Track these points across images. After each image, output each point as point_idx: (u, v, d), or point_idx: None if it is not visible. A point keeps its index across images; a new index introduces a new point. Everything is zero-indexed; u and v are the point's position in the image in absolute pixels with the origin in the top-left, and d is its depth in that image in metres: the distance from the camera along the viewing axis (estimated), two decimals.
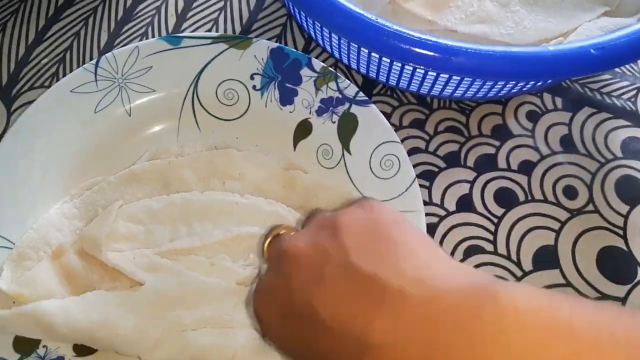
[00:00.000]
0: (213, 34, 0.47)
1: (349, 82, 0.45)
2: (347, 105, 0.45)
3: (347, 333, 0.29)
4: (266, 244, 0.39)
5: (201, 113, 0.47)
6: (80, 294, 0.39)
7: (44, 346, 0.38)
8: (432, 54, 0.39)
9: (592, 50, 0.39)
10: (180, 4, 0.58)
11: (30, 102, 0.50)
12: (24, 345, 0.38)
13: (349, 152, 0.44)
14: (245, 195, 0.43)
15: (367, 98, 0.44)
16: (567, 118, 0.51)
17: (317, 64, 0.46)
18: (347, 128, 0.44)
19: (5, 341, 0.38)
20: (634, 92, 0.52)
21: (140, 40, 0.55)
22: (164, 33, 0.55)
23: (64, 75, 0.53)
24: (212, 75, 0.47)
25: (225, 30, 0.56)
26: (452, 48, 0.39)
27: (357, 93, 0.45)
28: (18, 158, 0.43)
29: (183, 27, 0.56)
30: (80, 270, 0.40)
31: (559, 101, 0.52)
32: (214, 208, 0.42)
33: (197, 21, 0.56)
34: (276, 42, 0.54)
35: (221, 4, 0.58)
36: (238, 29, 0.56)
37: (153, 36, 0.55)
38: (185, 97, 0.47)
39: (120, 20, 0.57)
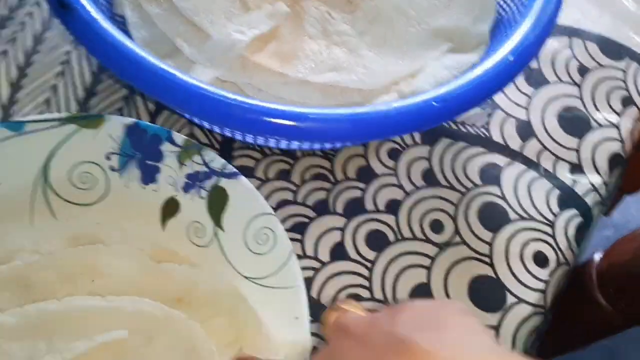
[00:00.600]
0: (60, 114, 0.43)
1: (215, 154, 0.44)
2: (214, 178, 0.44)
3: None
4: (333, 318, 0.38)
5: (56, 200, 0.44)
6: None
7: None
8: (280, 122, 0.39)
9: (434, 103, 0.41)
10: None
11: None
12: None
13: (221, 228, 0.43)
14: (107, 297, 0.40)
15: (235, 170, 0.44)
16: (426, 152, 0.54)
17: (179, 137, 0.44)
18: (217, 203, 0.44)
19: None
20: (486, 118, 0.56)
21: None
22: None
23: None
24: (63, 159, 0.43)
25: (66, 99, 0.52)
26: (297, 114, 0.39)
27: (224, 165, 0.44)
28: None
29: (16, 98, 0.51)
30: None
31: (417, 136, 0.54)
32: (74, 316, 0.39)
33: (31, 100, 0.52)
34: (120, 113, 0.51)
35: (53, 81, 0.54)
36: (81, 94, 0.52)
37: None
38: (35, 187, 0.44)
39: None
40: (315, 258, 0.48)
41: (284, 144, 0.47)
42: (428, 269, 0.49)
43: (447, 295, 0.47)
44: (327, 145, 0.48)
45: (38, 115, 0.45)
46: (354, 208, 0.50)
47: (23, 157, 0.43)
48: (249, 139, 0.48)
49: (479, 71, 0.42)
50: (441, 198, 0.52)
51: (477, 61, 0.51)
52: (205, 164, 0.44)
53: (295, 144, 0.47)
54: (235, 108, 0.39)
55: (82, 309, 0.40)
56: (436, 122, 0.44)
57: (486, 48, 0.53)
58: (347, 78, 0.49)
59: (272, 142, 0.48)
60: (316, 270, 0.47)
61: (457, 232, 0.50)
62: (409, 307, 0.35)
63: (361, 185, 0.52)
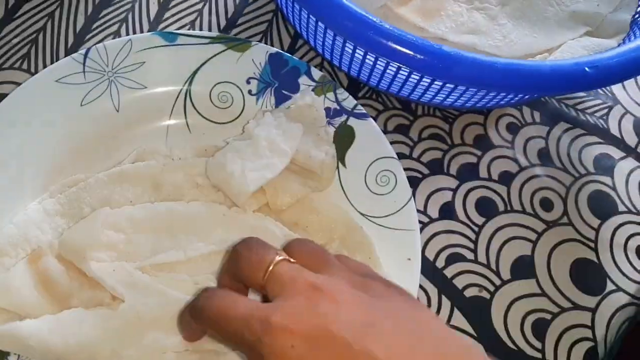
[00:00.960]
0: (211, 33, 0.46)
1: (348, 93, 0.45)
2: (344, 117, 0.45)
3: None
4: (272, 266, 0.32)
5: (193, 114, 0.47)
6: (57, 302, 0.37)
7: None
8: (434, 61, 0.39)
9: (586, 69, 0.41)
10: (155, 6, 0.55)
11: None
12: None
13: (344, 165, 0.45)
14: (233, 208, 0.42)
15: (365, 112, 0.45)
16: (544, 132, 0.54)
17: (317, 72, 0.46)
18: (343, 141, 0.45)
19: None
20: (606, 110, 0.56)
21: (120, 26, 0.53)
22: (145, 21, 0.53)
23: (36, 57, 0.50)
24: (207, 76, 0.46)
25: (209, 23, 0.54)
26: (455, 56, 0.40)
27: (355, 106, 0.45)
28: None
29: (165, 17, 0.54)
30: (58, 276, 0.38)
31: (537, 115, 0.54)
32: (200, 219, 0.41)
33: (180, 11, 0.55)
34: (261, 38, 0.53)
35: (198, 6, 0.56)
36: (223, 22, 0.55)
37: (133, 23, 0.53)
38: (177, 97, 0.46)
39: (98, 4, 0.54)
40: (424, 213, 0.49)
41: (407, 90, 0.48)
42: (533, 243, 0.49)
43: (549, 271, 0.47)
44: (449, 101, 0.48)
45: (191, 30, 0.47)
46: (468, 172, 0.51)
47: (172, 66, 0.46)
48: (373, 80, 0.49)
49: (632, 45, 0.42)
50: (553, 178, 0.52)
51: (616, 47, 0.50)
52: (338, 102, 0.45)
53: (418, 92, 0.48)
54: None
55: (207, 214, 0.42)
56: (586, 87, 0.45)
57: (625, 36, 0.52)
58: (484, 42, 0.49)
59: (394, 88, 0.48)
60: (424, 224, 0.48)
61: (565, 213, 0.50)
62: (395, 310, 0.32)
63: (477, 152, 0.52)
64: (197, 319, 0.34)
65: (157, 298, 0.38)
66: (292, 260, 0.33)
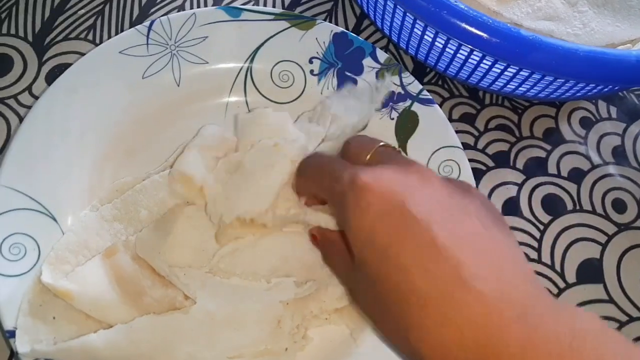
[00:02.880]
0: (275, 10, 0.45)
1: (414, 78, 0.43)
2: (408, 102, 0.43)
3: (455, 268, 0.28)
4: (377, 146, 0.35)
5: (252, 92, 0.46)
6: (129, 298, 0.37)
7: None
8: (510, 45, 0.38)
9: None
10: None
11: (63, 53, 0.48)
12: None
13: (405, 152, 0.43)
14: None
15: (431, 97, 0.43)
16: (620, 129, 0.50)
17: (382, 54, 0.44)
18: (406, 127, 0.43)
19: None
20: None
21: (185, 0, 0.52)
22: None
23: (102, 28, 0.50)
24: (270, 53, 0.45)
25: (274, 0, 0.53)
26: (533, 41, 0.37)
27: (421, 91, 0.43)
28: (57, 115, 0.41)
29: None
30: (131, 273, 0.38)
31: (613, 110, 0.51)
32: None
33: None
34: (326, 17, 0.52)
35: None
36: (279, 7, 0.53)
37: None
38: (238, 73, 0.45)
39: None
40: None
41: (477, 77, 0.45)
42: (603, 246, 0.46)
43: (619, 277, 0.45)
44: (520, 90, 0.46)
45: (255, 6, 0.46)
46: (535, 167, 0.48)
47: (234, 42, 0.45)
48: (441, 65, 0.47)
49: None
50: (628, 178, 0.49)
51: None
52: (403, 86, 0.44)
53: (488, 80, 0.45)
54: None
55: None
56: None
57: None
58: (562, 30, 0.46)
59: (463, 74, 0.46)
60: None
61: (639, 216, 0.47)
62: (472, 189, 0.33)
63: (547, 146, 0.49)
64: (301, 173, 0.37)
65: (228, 297, 0.38)
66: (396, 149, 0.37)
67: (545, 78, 0.41)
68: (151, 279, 0.38)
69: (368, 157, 0.35)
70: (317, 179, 0.36)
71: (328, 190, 0.34)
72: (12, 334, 0.35)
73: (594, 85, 0.42)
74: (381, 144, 0.36)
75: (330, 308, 0.39)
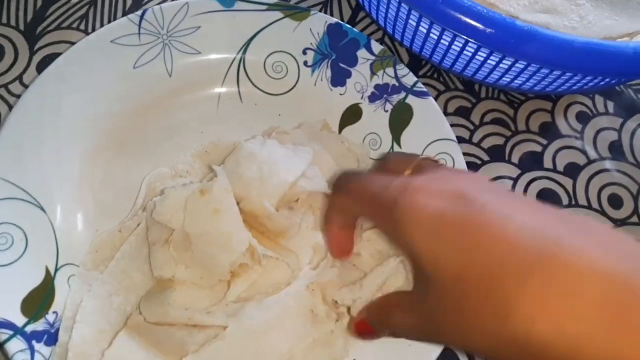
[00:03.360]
0: (269, 0, 0.44)
1: (408, 70, 0.43)
2: (403, 94, 0.43)
3: (541, 229, 0.26)
4: (419, 159, 0.34)
5: (245, 83, 0.45)
6: (174, 355, 0.36)
7: (54, 312, 0.36)
8: (506, 36, 0.37)
9: None
10: None
11: (55, 43, 0.48)
12: (33, 309, 0.36)
13: (399, 144, 0.43)
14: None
15: (425, 89, 0.42)
16: (617, 124, 0.50)
17: (377, 46, 0.44)
18: (400, 119, 0.43)
19: (13, 304, 0.36)
20: None
21: None
22: None
23: (94, 18, 0.50)
24: (263, 44, 0.44)
25: None
26: (529, 31, 0.37)
27: (415, 83, 0.43)
28: (47, 104, 0.41)
29: None
30: (163, 332, 0.36)
31: (610, 105, 0.50)
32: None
33: None
34: (321, 9, 0.51)
35: None
36: None
37: None
38: (231, 64, 0.45)
39: None
40: None
41: (472, 69, 0.45)
42: None
43: None
44: (528, 85, 0.45)
45: None
46: (531, 161, 0.48)
47: (227, 32, 0.44)
48: (436, 57, 0.46)
49: None
50: (625, 174, 0.48)
51: None
52: (397, 78, 0.43)
53: (484, 72, 0.45)
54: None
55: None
56: None
57: None
58: (559, 22, 0.46)
59: (458, 66, 0.46)
60: None
61: (636, 211, 0.47)
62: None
63: (542, 140, 0.49)
64: (338, 190, 0.36)
65: (257, 309, 0.36)
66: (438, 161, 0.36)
67: (541, 70, 0.40)
68: (185, 328, 0.37)
69: (409, 171, 0.33)
70: (359, 192, 0.34)
71: (374, 202, 0.32)
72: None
73: (590, 78, 0.41)
74: (422, 157, 0.35)
75: None
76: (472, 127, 0.49)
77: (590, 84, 0.43)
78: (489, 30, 0.36)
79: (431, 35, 0.42)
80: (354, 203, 0.34)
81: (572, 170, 0.48)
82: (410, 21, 0.42)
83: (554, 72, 0.40)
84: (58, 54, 0.43)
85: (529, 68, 0.40)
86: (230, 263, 0.35)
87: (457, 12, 0.36)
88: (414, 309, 0.31)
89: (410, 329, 0.32)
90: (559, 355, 0.24)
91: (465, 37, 0.38)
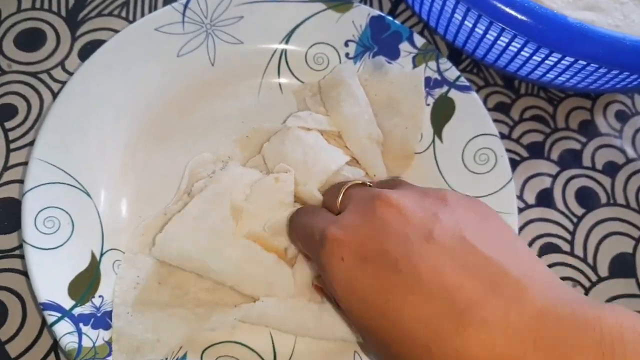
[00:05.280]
0: None
1: (451, 63, 0.43)
2: (445, 88, 0.43)
3: (448, 300, 0.26)
4: (345, 189, 0.34)
5: (286, 74, 0.45)
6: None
7: (100, 296, 0.37)
8: (556, 32, 0.37)
9: None
10: None
11: (96, 30, 0.48)
12: (79, 292, 0.36)
13: (440, 139, 0.43)
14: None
15: (468, 84, 0.42)
16: None
17: (419, 39, 0.43)
18: (442, 113, 0.43)
19: (60, 287, 0.36)
20: None
21: None
22: None
23: (135, 5, 0.50)
24: (305, 35, 0.44)
25: None
26: (580, 28, 0.37)
27: (458, 77, 0.43)
28: (91, 91, 0.41)
29: None
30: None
31: None
32: None
33: None
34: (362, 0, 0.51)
35: None
36: None
37: None
38: (272, 55, 0.45)
39: None
40: (520, 198, 0.46)
41: (516, 65, 0.45)
42: (636, 240, 0.45)
43: None
44: (571, 82, 0.45)
45: None
46: (570, 159, 0.48)
47: (270, 23, 0.44)
48: (479, 52, 0.46)
49: None
50: None
51: None
52: (439, 72, 0.43)
53: (527, 68, 0.45)
54: None
55: None
56: None
57: None
58: (603, 20, 0.46)
59: (502, 61, 0.45)
60: (519, 210, 0.45)
61: None
62: (454, 198, 0.31)
63: (582, 138, 0.48)
64: (289, 229, 0.37)
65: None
66: (369, 184, 0.35)
67: (587, 68, 0.40)
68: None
69: (338, 203, 0.34)
70: (299, 237, 0.36)
71: (306, 244, 0.34)
72: (45, 306, 0.35)
73: (635, 76, 0.41)
74: (349, 184, 0.35)
75: None
76: (511, 123, 0.48)
77: (634, 82, 0.43)
78: (540, 26, 0.35)
79: (477, 29, 0.42)
80: (298, 245, 0.37)
81: (611, 169, 0.47)
82: (455, 15, 0.42)
83: (600, 70, 0.40)
84: (100, 41, 0.43)
85: (574, 65, 0.40)
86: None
87: (508, 7, 0.36)
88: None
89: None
90: None
91: (514, 32, 0.38)
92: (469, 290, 0.26)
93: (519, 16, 0.36)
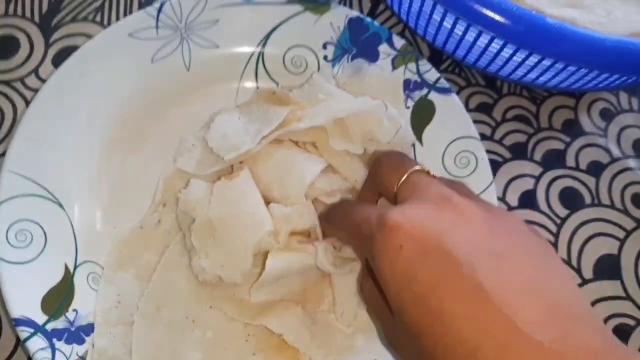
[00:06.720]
0: None
1: (431, 65, 0.42)
2: (425, 90, 0.42)
3: (507, 315, 0.25)
4: (407, 174, 0.32)
5: (264, 78, 0.44)
6: None
7: (74, 310, 0.36)
8: (536, 33, 0.36)
9: None
10: None
11: (70, 35, 0.47)
12: (53, 306, 0.36)
13: (420, 142, 0.42)
14: None
15: (448, 86, 0.42)
16: None
17: (399, 41, 0.43)
18: (422, 116, 0.42)
19: (33, 302, 0.35)
20: None
21: None
22: None
23: (110, 10, 0.49)
24: (283, 38, 0.44)
25: None
26: (559, 29, 0.36)
27: (438, 79, 0.42)
28: (64, 99, 0.40)
29: None
30: None
31: (635, 102, 0.50)
32: None
33: None
34: (340, 0, 0.50)
35: None
36: None
37: None
38: (250, 58, 0.44)
39: None
40: (503, 200, 0.45)
41: (497, 65, 0.44)
42: (621, 241, 0.45)
43: (637, 273, 0.43)
44: (553, 82, 0.44)
45: None
46: (553, 159, 0.47)
47: (246, 26, 0.44)
48: (460, 52, 0.45)
49: None
50: None
51: None
52: (419, 74, 0.42)
53: (509, 69, 0.44)
54: None
55: None
56: None
57: None
58: (585, 18, 0.45)
59: (483, 61, 0.45)
60: None
61: None
62: (521, 230, 0.29)
63: (565, 138, 0.48)
64: (327, 220, 0.36)
65: None
66: (430, 173, 0.33)
67: (569, 68, 0.39)
68: None
69: (399, 184, 0.32)
70: (343, 225, 0.34)
71: (355, 235, 0.32)
72: (18, 321, 0.34)
73: (618, 75, 0.40)
74: (415, 168, 0.33)
75: None
76: (493, 124, 0.48)
77: (617, 81, 0.42)
78: (519, 27, 0.35)
79: (456, 30, 0.41)
80: (338, 234, 0.36)
81: (596, 169, 0.47)
82: (434, 16, 0.42)
83: (581, 70, 0.39)
84: (74, 47, 0.42)
85: (556, 65, 0.39)
86: (255, 242, 0.35)
87: (485, 8, 0.35)
88: (385, 315, 0.32)
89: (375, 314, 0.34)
90: None
91: (493, 34, 0.37)
92: (530, 313, 0.25)
93: (497, 17, 0.35)
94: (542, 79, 0.43)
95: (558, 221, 0.45)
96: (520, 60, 0.41)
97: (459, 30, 0.41)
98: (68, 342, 0.35)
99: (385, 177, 0.33)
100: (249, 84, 0.44)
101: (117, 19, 0.49)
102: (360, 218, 0.31)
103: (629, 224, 0.45)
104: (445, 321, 0.26)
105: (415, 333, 0.27)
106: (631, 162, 0.47)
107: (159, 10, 0.43)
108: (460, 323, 0.25)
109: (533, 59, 0.40)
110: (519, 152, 0.47)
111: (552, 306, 0.25)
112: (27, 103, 0.44)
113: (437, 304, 0.26)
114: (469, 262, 0.26)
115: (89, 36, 0.46)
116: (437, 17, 0.41)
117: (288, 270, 0.37)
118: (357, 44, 0.43)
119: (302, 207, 0.36)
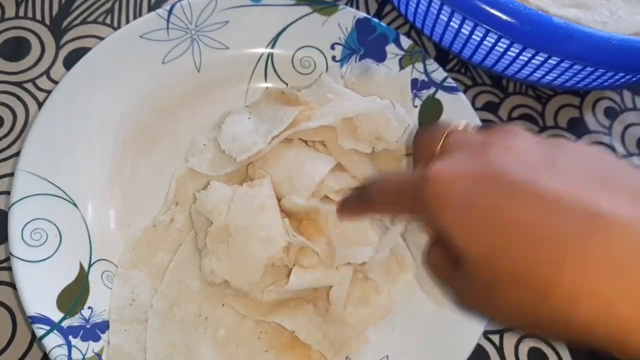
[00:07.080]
0: None
1: (438, 65, 0.43)
2: (432, 89, 0.43)
3: (579, 208, 0.24)
4: (445, 134, 0.31)
5: (273, 78, 0.45)
6: None
7: (89, 307, 0.37)
8: (543, 33, 0.37)
9: None
10: None
11: (81, 37, 0.48)
12: (68, 304, 0.36)
13: None
14: None
15: (455, 85, 0.42)
16: None
17: (406, 41, 0.43)
18: (430, 115, 0.43)
19: (49, 299, 0.36)
20: None
21: None
22: None
23: (120, 12, 0.50)
24: (291, 39, 0.44)
25: None
26: (566, 28, 0.37)
27: (445, 78, 0.42)
28: (77, 100, 0.41)
29: None
30: None
31: (638, 100, 0.50)
32: None
33: None
34: (347, 2, 0.51)
35: None
36: None
37: None
38: (259, 59, 0.45)
39: None
40: None
41: (503, 64, 0.45)
42: None
43: None
44: (558, 81, 0.45)
45: None
46: None
47: (256, 27, 0.44)
48: (466, 52, 0.46)
49: None
50: None
51: None
52: (426, 73, 0.43)
53: (515, 68, 0.44)
54: None
55: None
56: None
57: None
58: (589, 17, 0.45)
59: (489, 61, 0.45)
60: None
61: None
62: (565, 142, 0.28)
63: (570, 136, 0.49)
64: (363, 196, 0.35)
65: None
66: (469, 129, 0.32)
67: (575, 67, 0.40)
68: None
69: (439, 147, 0.31)
70: (387, 192, 0.32)
71: (398, 199, 0.31)
72: (34, 319, 0.34)
73: (622, 74, 0.41)
74: (449, 129, 0.31)
75: None
76: (500, 123, 0.48)
77: (621, 80, 0.43)
78: (526, 27, 0.35)
79: (462, 30, 0.42)
80: (379, 207, 0.34)
81: None
82: (441, 16, 0.42)
83: (587, 69, 0.40)
84: (85, 49, 0.43)
85: (562, 64, 0.40)
86: (268, 257, 0.36)
87: (492, 8, 0.36)
88: (449, 271, 0.30)
89: (444, 281, 0.31)
90: (604, 336, 0.23)
91: (500, 34, 0.38)
92: (606, 202, 0.24)
93: (503, 17, 0.36)
94: (548, 78, 0.44)
95: None
96: (526, 59, 0.41)
97: (465, 30, 0.41)
98: (84, 339, 0.35)
99: (424, 144, 0.32)
100: (259, 84, 0.45)
101: (127, 21, 0.49)
102: (400, 182, 0.31)
103: None
104: (516, 234, 0.25)
105: (485, 262, 0.26)
106: (636, 160, 0.48)
107: (170, 12, 0.43)
108: (532, 231, 0.24)
109: (539, 58, 0.40)
110: None
111: (632, 194, 0.24)
112: (39, 104, 0.45)
113: (506, 217, 0.25)
114: (524, 179, 0.25)
115: (99, 38, 0.47)
116: (444, 17, 0.42)
117: (308, 287, 0.38)
118: (365, 44, 0.44)
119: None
